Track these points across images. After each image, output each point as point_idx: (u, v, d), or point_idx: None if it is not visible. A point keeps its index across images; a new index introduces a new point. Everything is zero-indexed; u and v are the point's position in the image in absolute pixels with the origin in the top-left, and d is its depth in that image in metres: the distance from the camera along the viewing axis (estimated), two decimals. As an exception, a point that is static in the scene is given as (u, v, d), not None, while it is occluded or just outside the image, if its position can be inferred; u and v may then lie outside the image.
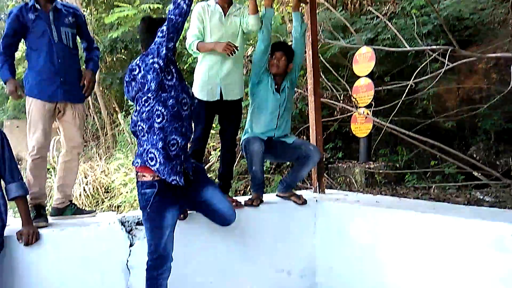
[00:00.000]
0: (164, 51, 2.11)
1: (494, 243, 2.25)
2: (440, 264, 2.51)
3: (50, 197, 6.00)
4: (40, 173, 2.75)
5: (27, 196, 2.41)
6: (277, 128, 3.24)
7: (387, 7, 5.75)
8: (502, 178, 4.58)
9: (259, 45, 3.16)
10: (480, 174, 4.81)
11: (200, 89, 3.05)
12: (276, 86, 3.23)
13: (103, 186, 6.11)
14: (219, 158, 3.46)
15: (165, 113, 2.15)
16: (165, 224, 2.23)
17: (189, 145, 2.64)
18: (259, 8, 3.15)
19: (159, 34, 2.12)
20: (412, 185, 4.97)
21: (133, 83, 2.24)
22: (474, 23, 5.88)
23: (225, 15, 3.07)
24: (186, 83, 2.30)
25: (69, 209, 2.83)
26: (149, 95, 2.15)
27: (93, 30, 8.79)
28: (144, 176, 2.20)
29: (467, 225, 2.40)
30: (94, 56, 3.03)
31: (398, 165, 5.42)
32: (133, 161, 2.29)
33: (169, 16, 2.10)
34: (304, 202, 3.25)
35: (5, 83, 2.78)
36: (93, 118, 9.37)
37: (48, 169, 6.46)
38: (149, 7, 7.38)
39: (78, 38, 2.96)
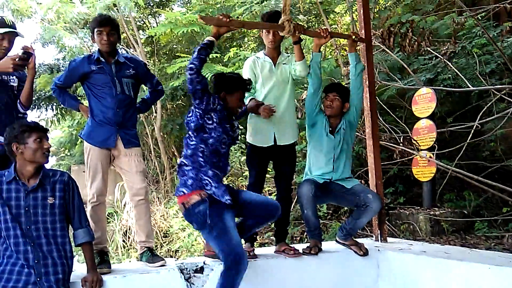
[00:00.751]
0: (195, 104, 2.57)
1: None
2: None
3: (112, 241, 6.21)
4: (101, 219, 2.86)
5: (91, 242, 2.49)
6: (334, 171, 3.18)
7: (446, 47, 5.61)
8: None
9: (309, 89, 3.22)
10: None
11: (254, 135, 3.11)
12: (330, 128, 3.20)
13: (161, 231, 6.24)
14: None
15: (205, 150, 2.57)
16: (228, 225, 2.47)
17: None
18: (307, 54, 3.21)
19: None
20: (483, 234, 4.62)
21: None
22: (542, 60, 5.56)
23: (274, 65, 3.18)
24: (230, 125, 2.68)
25: (144, 255, 2.89)
26: (191, 134, 2.62)
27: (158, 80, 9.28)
28: (192, 199, 2.53)
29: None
30: (150, 97, 3.24)
31: (466, 212, 5.08)
32: (176, 192, 2.63)
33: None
34: (366, 253, 3.11)
35: (78, 110, 3.11)
36: (154, 163, 9.75)
37: (111, 213, 6.74)
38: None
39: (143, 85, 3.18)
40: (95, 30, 2.90)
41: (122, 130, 2.91)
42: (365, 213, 3.08)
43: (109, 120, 2.88)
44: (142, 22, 11.25)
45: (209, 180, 2.55)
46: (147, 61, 9.75)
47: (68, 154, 16.10)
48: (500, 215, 4.92)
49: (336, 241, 3.29)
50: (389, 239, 3.63)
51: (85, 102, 3.11)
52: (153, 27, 10.58)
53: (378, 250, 3.21)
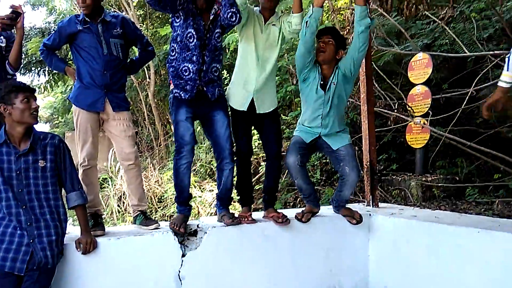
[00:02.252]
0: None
1: None
2: (505, 285, 2.33)
3: (107, 206, 6.25)
4: (92, 182, 2.86)
5: (84, 205, 2.50)
6: (322, 127, 3.04)
7: (445, 11, 5.50)
8: None
9: (300, 48, 2.96)
10: (550, 187, 4.45)
11: (232, 97, 3.06)
12: (322, 82, 2.99)
13: (156, 196, 6.28)
14: None
15: (175, 46, 2.83)
16: (179, 118, 2.80)
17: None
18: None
19: None
20: (474, 200, 4.68)
21: None
22: (541, 25, 5.49)
23: (264, 23, 3.02)
24: (197, 21, 2.79)
25: (138, 218, 2.90)
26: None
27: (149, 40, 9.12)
28: (170, 85, 2.90)
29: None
30: (142, 56, 3.17)
31: (457, 178, 5.13)
32: None
33: None
34: (359, 221, 3.13)
35: (65, 73, 3.06)
36: (148, 129, 9.72)
37: (105, 178, 6.76)
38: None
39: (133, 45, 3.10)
40: None
41: (110, 93, 2.85)
42: (344, 186, 3.06)
43: (96, 82, 2.82)
44: (134, -16, 10.93)
45: (171, 76, 2.86)
46: (140, 25, 9.54)
47: (62, 120, 15.98)
48: (491, 182, 4.98)
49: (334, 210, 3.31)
50: (381, 205, 3.67)
51: (74, 66, 3.05)
52: (146, -11, 10.32)
53: (370, 215, 3.25)
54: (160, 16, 10.03)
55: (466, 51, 4.94)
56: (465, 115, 5.48)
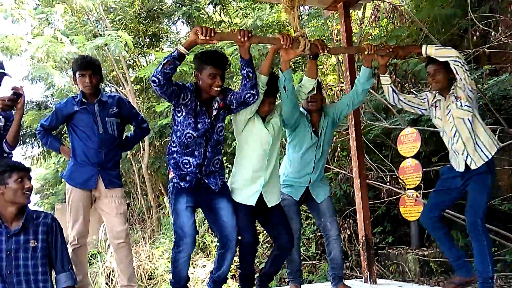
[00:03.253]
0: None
1: None
2: None
3: (95, 284, 6.01)
4: (82, 262, 2.80)
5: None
6: (314, 172, 3.13)
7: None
8: None
9: (286, 107, 2.93)
10: (547, 261, 4.40)
11: (238, 193, 2.86)
12: (314, 128, 3.13)
13: (147, 273, 6.07)
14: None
15: (176, 140, 2.71)
16: (178, 207, 2.65)
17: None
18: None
19: None
20: (472, 275, 4.58)
21: None
22: (521, 101, 5.75)
23: (264, 118, 2.93)
24: (202, 118, 2.67)
25: None
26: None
27: (144, 117, 9.33)
28: (171, 174, 2.77)
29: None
30: (137, 134, 3.24)
31: (454, 252, 5.06)
32: None
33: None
34: None
35: (59, 152, 3.13)
36: (140, 201, 9.62)
37: (94, 254, 6.56)
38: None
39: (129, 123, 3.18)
40: (77, 73, 2.92)
41: (103, 171, 2.89)
42: (329, 245, 3.09)
43: (90, 160, 2.86)
44: (132, 61, 11.41)
45: (172, 166, 2.75)
46: (136, 99, 9.82)
47: (53, 192, 15.80)
48: (488, 255, 4.91)
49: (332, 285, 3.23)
50: (379, 281, 3.60)
51: (68, 144, 3.11)
52: (143, 66, 10.74)
53: (368, 292, 3.17)
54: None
55: (453, 126, 5.11)
56: (456, 187, 5.53)
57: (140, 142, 9.29)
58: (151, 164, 9.46)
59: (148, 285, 5.95)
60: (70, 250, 2.76)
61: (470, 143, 2.77)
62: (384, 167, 5.71)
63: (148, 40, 11.05)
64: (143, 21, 10.77)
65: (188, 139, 2.63)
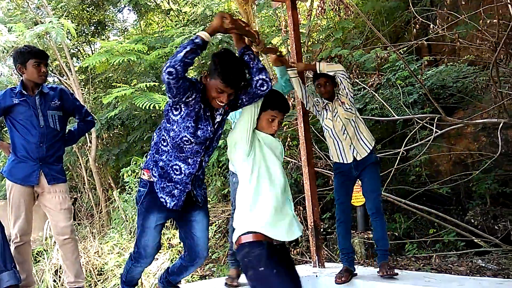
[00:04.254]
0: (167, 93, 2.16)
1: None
2: None
3: (42, 281, 5.80)
4: (25, 260, 2.71)
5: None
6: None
7: (373, 79, 6.00)
8: (502, 244, 4.52)
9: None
10: (480, 240, 4.75)
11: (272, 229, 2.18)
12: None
13: (96, 268, 5.92)
14: None
15: (168, 140, 2.27)
16: (147, 225, 2.35)
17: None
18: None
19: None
20: (413, 255, 4.87)
21: None
22: (458, 90, 6.12)
23: None
24: (205, 124, 2.25)
25: None
26: (164, 120, 2.31)
27: (90, 108, 9.03)
28: (144, 174, 2.36)
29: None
30: (81, 127, 3.13)
31: (396, 234, 5.35)
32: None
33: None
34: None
35: None
36: (88, 195, 9.33)
37: (41, 251, 6.31)
38: (146, 85, 7.66)
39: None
40: (32, 61, 2.77)
41: (45, 166, 2.78)
42: None
43: (31, 155, 2.74)
44: (77, 50, 10.97)
45: (154, 168, 2.31)
46: (81, 90, 9.46)
47: (-7, 188, 14.96)
48: (428, 236, 5.23)
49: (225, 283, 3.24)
50: (327, 264, 3.73)
51: (8, 139, 2.96)
52: (88, 55, 10.37)
53: (316, 276, 3.29)
54: (103, 81, 10.04)
55: (395, 114, 5.37)
56: (398, 173, 5.83)
57: (87, 135, 8.98)
58: (99, 157, 9.19)
59: (98, 281, 5.81)
60: (12, 248, 2.64)
61: (355, 139, 3.28)
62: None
63: (93, 28, 10.65)
64: (87, 8, 10.37)
65: (185, 143, 2.24)
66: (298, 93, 3.51)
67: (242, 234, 2.10)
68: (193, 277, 5.38)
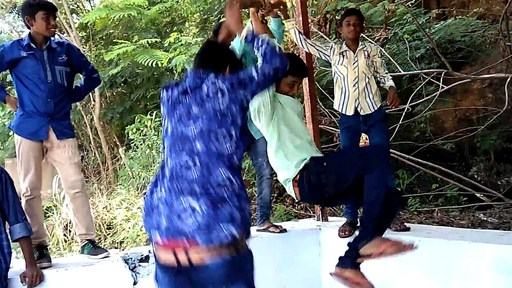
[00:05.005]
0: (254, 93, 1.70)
1: (498, 265, 2.24)
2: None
3: (53, 236, 5.97)
4: (36, 213, 2.75)
5: (29, 237, 2.41)
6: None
7: (379, 33, 5.87)
8: (504, 199, 4.57)
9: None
10: (482, 195, 4.81)
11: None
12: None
13: (105, 223, 6.08)
14: None
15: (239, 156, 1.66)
16: None
17: None
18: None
19: (259, 72, 1.67)
20: (415, 209, 4.95)
21: (197, 97, 1.65)
22: (466, 45, 5.99)
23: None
24: None
25: (86, 248, 2.81)
26: (233, 132, 1.62)
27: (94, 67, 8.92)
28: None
29: (471, 249, 2.40)
30: (87, 83, 3.10)
31: (400, 189, 5.41)
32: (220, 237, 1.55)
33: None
34: (283, 230, 3.24)
35: (5, 102, 2.92)
36: (94, 153, 9.42)
37: (50, 207, 6.46)
38: (148, 42, 7.54)
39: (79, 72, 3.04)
40: (40, 13, 2.68)
41: (54, 121, 2.78)
42: (261, 184, 3.25)
43: (39, 110, 2.74)
44: (76, 5, 10.71)
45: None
46: (82, 47, 9.33)
47: (1, 147, 15.14)
48: (431, 191, 5.29)
49: (257, 230, 3.37)
50: (330, 218, 3.79)
51: (13, 92, 2.94)
52: (88, 10, 10.13)
53: (319, 229, 3.35)
54: (104, 38, 9.87)
55: (401, 70, 5.29)
56: (403, 129, 5.82)
57: (90, 93, 8.95)
58: (103, 116, 9.20)
59: (108, 234, 5.98)
60: (23, 202, 2.70)
61: (363, 95, 3.19)
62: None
63: (92, -18, 10.37)
64: (86, -38, 10.05)
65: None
66: (298, 43, 3.39)
67: (293, 179, 2.42)
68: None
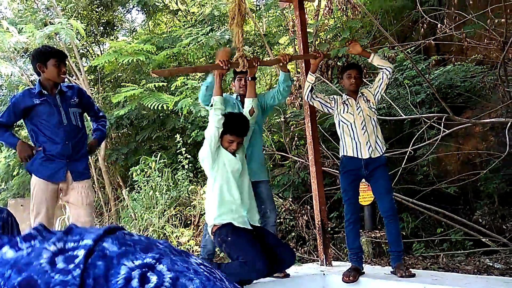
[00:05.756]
0: None
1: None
2: None
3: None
4: None
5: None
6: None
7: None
8: (510, 244, 4.51)
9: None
10: (487, 239, 4.75)
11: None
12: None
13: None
14: None
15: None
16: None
17: None
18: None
19: None
20: (420, 254, 4.88)
21: None
22: (465, 90, 6.10)
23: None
24: None
25: None
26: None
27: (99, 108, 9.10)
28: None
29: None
30: (100, 126, 3.16)
31: (404, 233, 5.35)
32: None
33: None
34: (287, 275, 3.24)
35: (15, 148, 2.91)
36: (97, 194, 9.43)
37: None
38: (154, 86, 7.73)
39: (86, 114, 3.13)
40: (52, 60, 2.80)
41: (72, 163, 2.84)
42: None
43: (58, 153, 2.79)
44: (86, 50, 11.07)
45: None
46: (91, 89, 9.56)
47: (5, 187, 15.15)
48: (436, 236, 5.23)
49: None
50: (334, 263, 3.76)
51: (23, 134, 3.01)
52: (97, 55, 10.46)
53: (324, 274, 3.32)
54: (112, 80, 10.13)
55: (402, 114, 5.37)
56: (406, 172, 5.83)
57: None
58: (108, 156, 9.28)
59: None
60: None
61: (373, 137, 3.29)
62: (340, 154, 5.92)
63: (101, 28, 10.76)
64: (96, 9, 10.46)
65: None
66: (305, 95, 3.51)
67: (214, 225, 2.92)
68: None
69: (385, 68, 3.26)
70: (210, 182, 2.99)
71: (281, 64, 3.39)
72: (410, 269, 3.10)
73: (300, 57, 4.09)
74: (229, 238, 2.81)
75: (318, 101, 3.45)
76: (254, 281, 3.10)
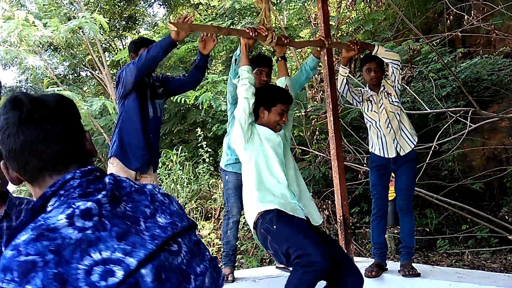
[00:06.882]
0: None
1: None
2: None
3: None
4: None
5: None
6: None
7: (405, 71, 5.89)
8: (538, 241, 4.39)
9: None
10: (514, 237, 4.63)
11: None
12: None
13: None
14: None
15: None
16: None
17: None
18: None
19: None
20: (444, 251, 4.79)
21: None
22: (492, 83, 5.94)
23: None
24: None
25: None
26: None
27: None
28: None
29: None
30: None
31: (428, 229, 5.27)
32: None
33: None
34: None
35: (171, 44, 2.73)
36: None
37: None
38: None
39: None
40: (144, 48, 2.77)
41: (153, 157, 2.87)
42: None
43: (139, 146, 2.79)
44: (108, 44, 11.20)
45: None
46: (113, 83, 9.68)
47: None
48: (460, 232, 5.13)
49: (276, 266, 3.35)
50: (356, 258, 3.72)
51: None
52: (120, 49, 10.57)
53: (345, 269, 3.28)
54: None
55: (427, 108, 5.26)
56: (430, 168, 5.73)
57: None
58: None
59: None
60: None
61: (399, 133, 3.17)
62: (361, 149, 5.85)
63: (124, 22, 10.86)
64: (119, 3, 10.56)
65: None
66: (340, 87, 3.33)
67: (253, 220, 2.29)
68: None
69: (392, 62, 3.11)
70: (245, 165, 2.43)
71: (318, 48, 3.17)
72: (415, 268, 3.02)
73: (340, 45, 3.79)
74: (274, 227, 2.16)
75: (352, 94, 3.30)
76: (275, 275, 3.09)
